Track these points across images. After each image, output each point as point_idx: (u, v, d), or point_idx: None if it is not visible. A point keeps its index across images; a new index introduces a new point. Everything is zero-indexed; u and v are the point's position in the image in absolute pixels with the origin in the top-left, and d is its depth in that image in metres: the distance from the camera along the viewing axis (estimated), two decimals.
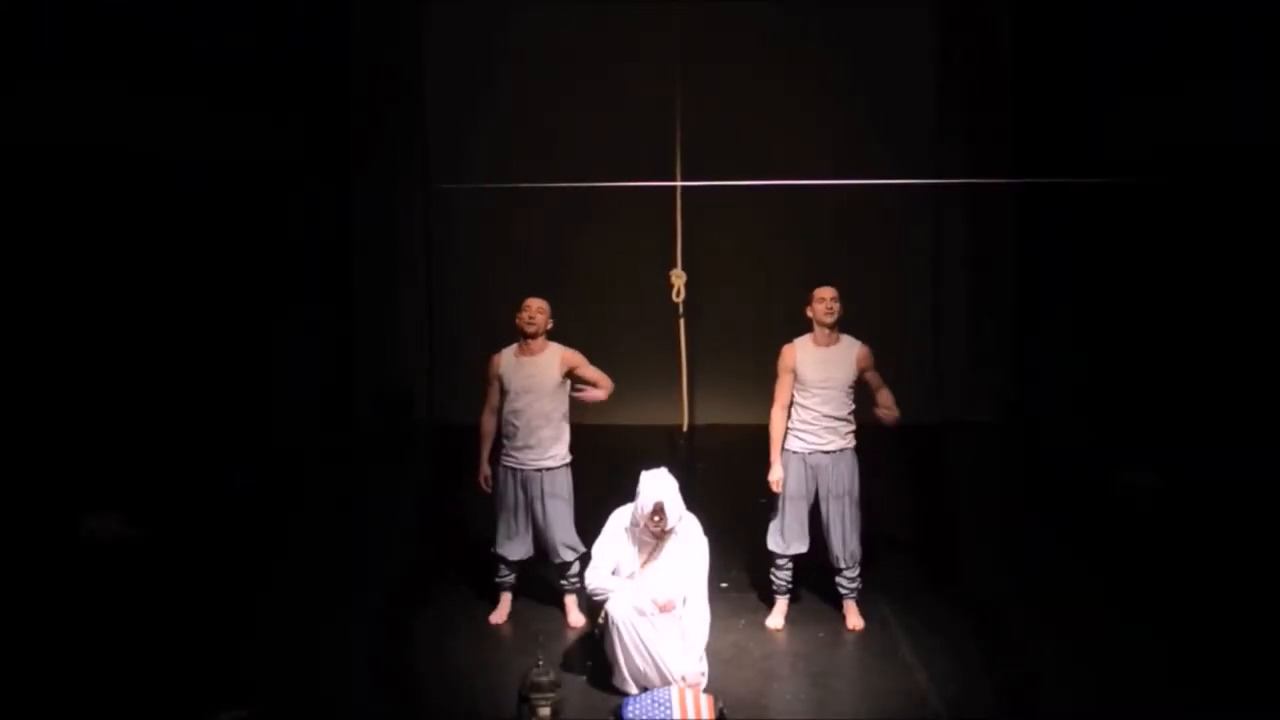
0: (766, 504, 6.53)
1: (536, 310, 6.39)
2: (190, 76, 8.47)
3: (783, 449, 6.42)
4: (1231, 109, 7.58)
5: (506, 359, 6.45)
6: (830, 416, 6.33)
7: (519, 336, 6.43)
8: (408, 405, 10.55)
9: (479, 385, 6.56)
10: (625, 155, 9.07)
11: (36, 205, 7.20)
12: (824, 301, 6.31)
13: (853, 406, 6.38)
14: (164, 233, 8.40)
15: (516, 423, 6.39)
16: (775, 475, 6.39)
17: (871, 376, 6.40)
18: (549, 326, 6.44)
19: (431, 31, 10.49)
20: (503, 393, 6.42)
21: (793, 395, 6.39)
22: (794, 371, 6.35)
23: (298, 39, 9.68)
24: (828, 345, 6.35)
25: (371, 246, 10.46)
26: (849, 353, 6.37)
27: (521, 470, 6.43)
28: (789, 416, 6.40)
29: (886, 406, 6.38)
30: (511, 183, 9.42)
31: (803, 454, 6.38)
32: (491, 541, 6.57)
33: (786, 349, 6.41)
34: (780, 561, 6.49)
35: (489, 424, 6.50)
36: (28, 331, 7.22)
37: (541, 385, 6.38)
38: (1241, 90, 7.42)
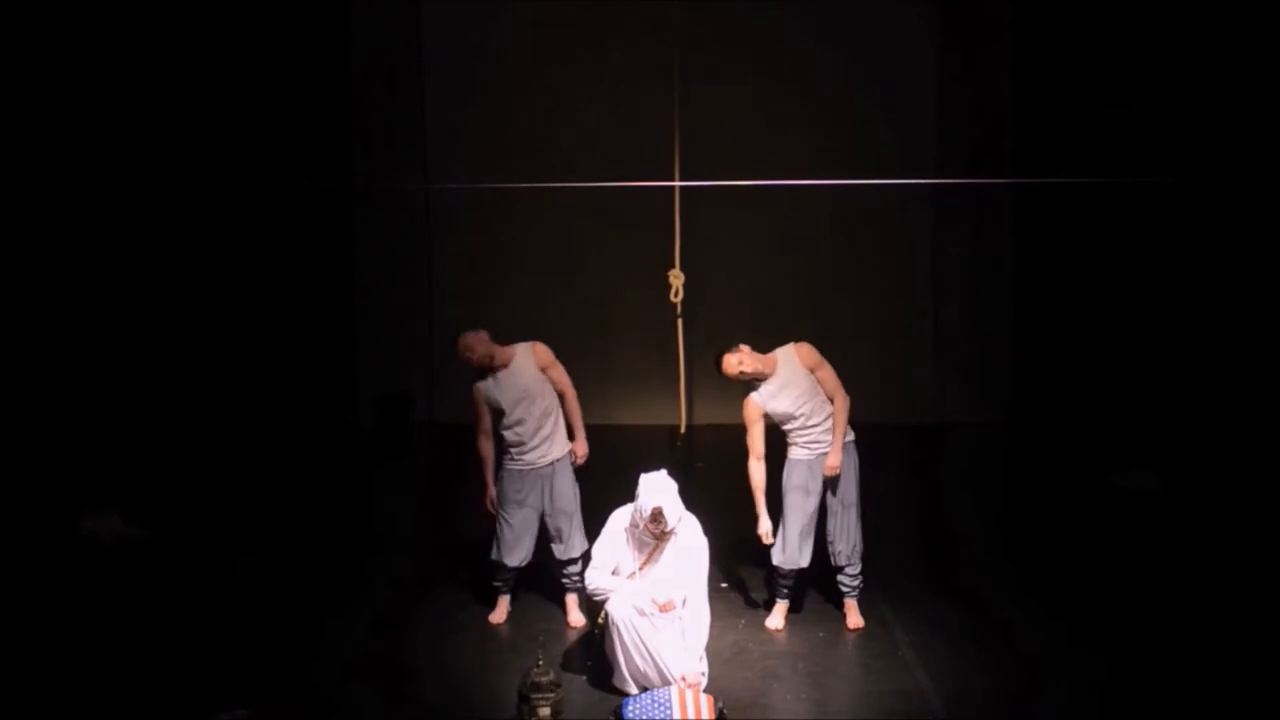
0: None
1: (469, 346, 6.29)
2: (190, 77, 8.46)
3: (787, 459, 6.42)
4: (1232, 109, 7.57)
5: (487, 384, 6.40)
6: (818, 424, 6.34)
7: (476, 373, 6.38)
8: (408, 405, 10.55)
9: (470, 411, 6.48)
10: (625, 155, 9.07)
11: (36, 206, 7.20)
12: (742, 377, 6.24)
13: (831, 399, 6.36)
14: (163, 233, 8.40)
15: (521, 431, 6.40)
16: (764, 528, 6.39)
17: (820, 375, 6.31)
18: (491, 350, 6.32)
19: (431, 32, 10.49)
20: (496, 415, 6.41)
21: (778, 429, 6.37)
22: (765, 417, 6.33)
23: (298, 40, 9.68)
24: (771, 376, 6.31)
25: (371, 246, 10.46)
26: (790, 365, 6.33)
27: (533, 469, 6.45)
28: (786, 441, 6.40)
29: (831, 466, 6.34)
30: (511, 183, 9.42)
31: (808, 460, 6.38)
32: (490, 550, 6.56)
33: (747, 403, 6.35)
34: (782, 571, 6.48)
35: (486, 449, 6.47)
36: (28, 332, 7.22)
37: (530, 389, 6.39)
38: (1243, 90, 7.41)
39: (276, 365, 9.63)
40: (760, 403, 6.33)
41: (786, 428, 6.37)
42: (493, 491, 6.48)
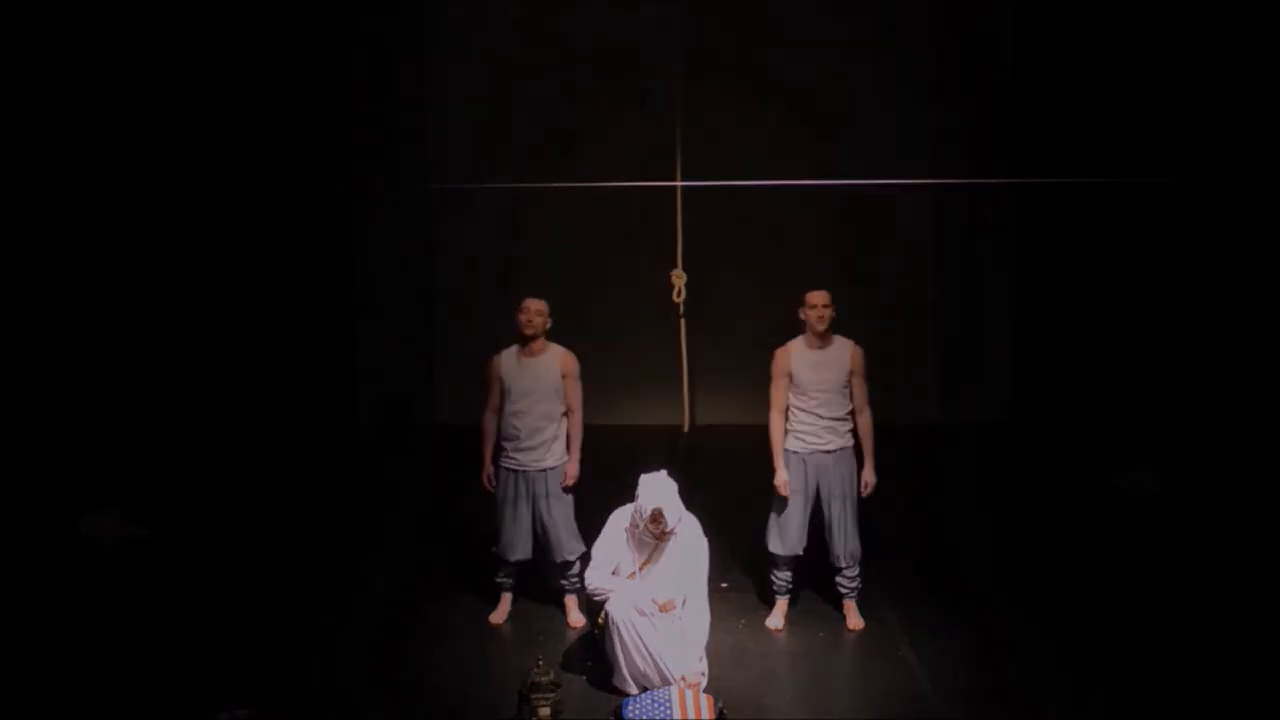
0: (769, 500, 6.52)
1: (535, 312, 6.38)
2: (190, 77, 8.47)
3: (783, 451, 6.42)
4: (1232, 109, 7.57)
5: (507, 360, 6.46)
6: (828, 417, 6.34)
7: (518, 337, 6.44)
8: (407, 406, 10.55)
9: (480, 386, 6.57)
10: (626, 155, 9.08)
11: (36, 206, 7.21)
12: (816, 309, 6.30)
13: (850, 406, 6.39)
14: (164, 233, 8.41)
15: (518, 424, 6.40)
16: (781, 479, 6.40)
17: (856, 383, 6.38)
18: (548, 326, 6.44)
19: (432, 31, 10.49)
20: (504, 394, 6.43)
21: (789, 398, 6.40)
22: (789, 375, 6.36)
23: (298, 40, 9.67)
24: (821, 347, 6.36)
25: (372, 247, 10.46)
26: (841, 353, 6.37)
27: (524, 471, 6.44)
28: (787, 418, 6.42)
29: (865, 482, 6.41)
30: (511, 183, 9.42)
31: (803, 454, 6.39)
32: (491, 542, 6.59)
33: (779, 353, 6.41)
34: (780, 563, 6.50)
35: (490, 424, 6.51)
36: (29, 332, 7.23)
37: (543, 387, 6.39)
38: (1243, 90, 7.41)
39: (276, 365, 9.62)
40: (792, 358, 6.35)
41: (794, 403, 6.36)
42: (490, 468, 6.51)
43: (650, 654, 5.63)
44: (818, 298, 6.32)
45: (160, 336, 8.44)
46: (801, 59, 10.33)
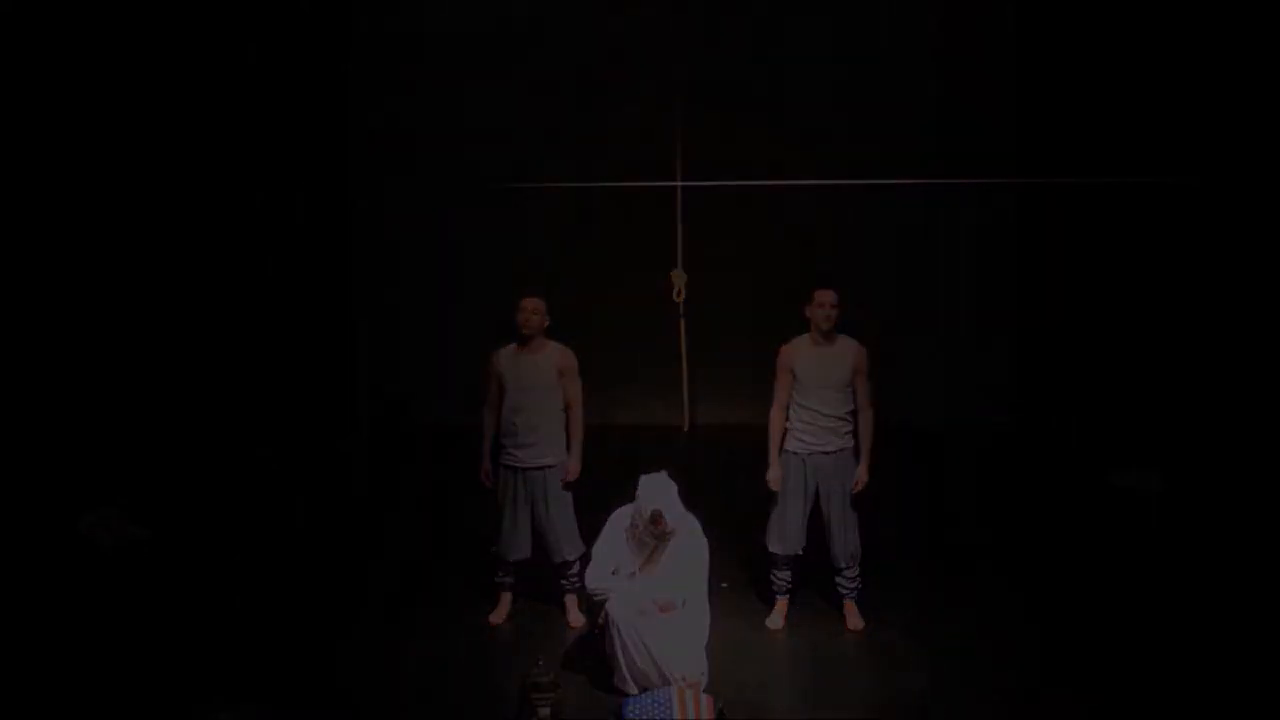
0: (767, 500, 6.52)
1: (531, 311, 6.40)
2: (188, 76, 8.47)
3: (782, 449, 6.43)
4: (1231, 109, 7.57)
5: (505, 357, 6.48)
6: (829, 416, 6.34)
7: (516, 336, 6.45)
8: (406, 406, 10.53)
9: (480, 382, 6.58)
10: (625, 155, 9.06)
11: (36, 206, 7.21)
12: (824, 308, 6.31)
13: (851, 406, 6.39)
14: (163, 233, 8.40)
15: (516, 420, 6.42)
16: (773, 474, 6.41)
17: (860, 382, 6.39)
18: (545, 325, 6.45)
19: (431, 30, 10.48)
20: (502, 390, 6.45)
21: (791, 395, 6.41)
22: (792, 371, 6.37)
23: (296, 36, 9.66)
24: (825, 345, 6.36)
25: (372, 246, 10.44)
26: (846, 352, 6.37)
27: (522, 469, 6.45)
28: (787, 417, 6.42)
29: (858, 479, 6.41)
30: (511, 183, 9.40)
31: (802, 455, 6.39)
32: (491, 542, 6.59)
33: (784, 349, 6.43)
34: (780, 562, 6.50)
35: (489, 420, 6.54)
36: (29, 332, 7.24)
37: (540, 383, 6.41)
38: (1242, 91, 7.41)
39: (276, 366, 9.61)
40: (796, 355, 6.37)
41: (796, 400, 6.36)
42: (488, 464, 6.53)
43: (650, 654, 5.64)
44: (826, 296, 6.33)
45: (160, 336, 8.45)
46: (802, 57, 10.30)
